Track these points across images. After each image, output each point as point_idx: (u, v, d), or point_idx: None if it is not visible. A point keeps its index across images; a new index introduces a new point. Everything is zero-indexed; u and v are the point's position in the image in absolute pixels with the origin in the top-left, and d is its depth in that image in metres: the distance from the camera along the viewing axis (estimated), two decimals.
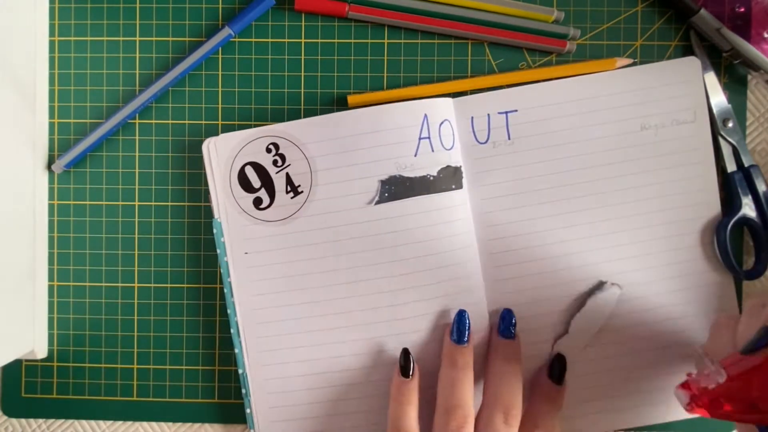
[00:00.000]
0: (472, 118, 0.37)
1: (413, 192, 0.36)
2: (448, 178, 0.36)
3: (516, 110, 0.37)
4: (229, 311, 0.37)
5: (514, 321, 0.36)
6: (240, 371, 0.37)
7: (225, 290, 0.37)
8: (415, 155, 0.36)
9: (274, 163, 0.36)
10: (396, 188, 0.36)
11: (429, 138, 0.36)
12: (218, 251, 0.37)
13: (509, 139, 0.37)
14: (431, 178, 0.36)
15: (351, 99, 0.38)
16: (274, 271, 0.37)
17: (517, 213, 0.37)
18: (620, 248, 0.37)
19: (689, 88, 0.37)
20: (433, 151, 0.36)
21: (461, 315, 0.36)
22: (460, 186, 0.36)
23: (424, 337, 0.37)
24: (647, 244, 0.37)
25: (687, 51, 0.38)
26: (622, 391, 0.38)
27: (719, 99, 0.37)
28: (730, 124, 0.37)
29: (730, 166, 0.38)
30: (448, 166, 0.36)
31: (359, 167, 0.36)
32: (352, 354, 0.37)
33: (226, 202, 0.37)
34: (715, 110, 0.37)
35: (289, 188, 0.36)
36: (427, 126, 0.36)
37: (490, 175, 0.37)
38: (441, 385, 0.35)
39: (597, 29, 0.38)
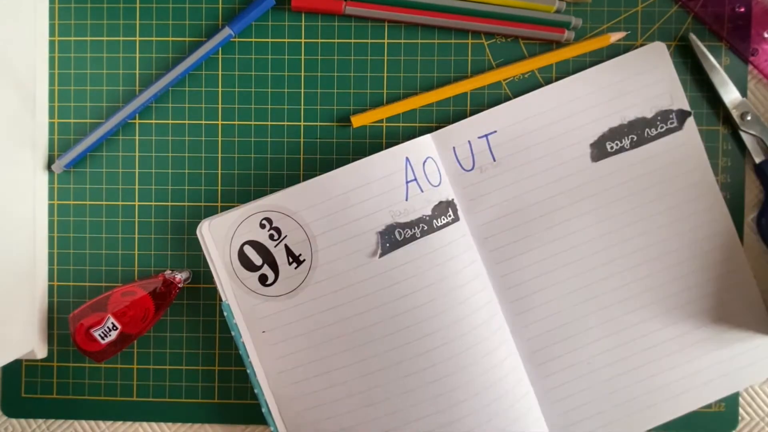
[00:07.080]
0: (454, 148, 0.37)
1: (414, 236, 0.35)
2: (444, 214, 0.36)
3: (495, 131, 0.37)
4: (257, 392, 0.37)
5: None
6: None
7: (248, 371, 0.36)
8: (406, 199, 0.36)
9: (271, 237, 0.36)
10: (396, 236, 0.36)
11: (416, 180, 0.36)
12: (233, 334, 0.36)
13: (494, 160, 0.37)
14: (427, 218, 0.36)
15: (354, 120, 0.38)
16: (296, 344, 0.36)
17: (517, 231, 0.37)
18: (631, 242, 0.37)
19: (660, 73, 0.37)
20: (422, 191, 0.36)
21: None
22: (456, 218, 0.36)
23: (456, 381, 0.36)
24: (651, 235, 0.37)
25: (687, 51, 0.38)
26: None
27: (733, 95, 0.37)
28: (749, 117, 0.37)
29: (758, 157, 0.37)
30: (440, 202, 0.36)
31: (355, 224, 0.36)
32: (387, 414, 0.36)
33: (233, 284, 0.36)
34: (730, 107, 0.37)
35: (291, 259, 0.36)
36: (411, 168, 0.36)
37: (484, 200, 0.37)
38: None
39: (597, 29, 0.38)
